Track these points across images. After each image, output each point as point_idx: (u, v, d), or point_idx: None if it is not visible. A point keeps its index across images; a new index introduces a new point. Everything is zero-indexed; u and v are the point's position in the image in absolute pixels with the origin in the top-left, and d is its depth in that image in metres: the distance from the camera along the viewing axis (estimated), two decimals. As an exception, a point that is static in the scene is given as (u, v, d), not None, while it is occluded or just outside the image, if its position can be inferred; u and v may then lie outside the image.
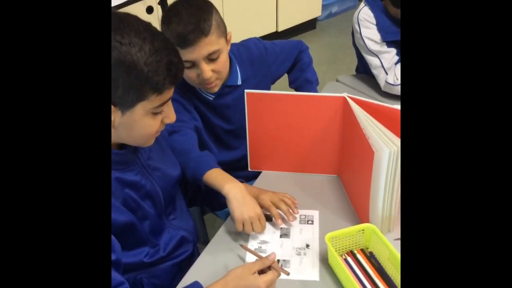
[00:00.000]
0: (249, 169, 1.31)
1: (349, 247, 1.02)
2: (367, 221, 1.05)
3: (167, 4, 2.42)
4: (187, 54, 1.11)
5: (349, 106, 1.12)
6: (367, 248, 1.02)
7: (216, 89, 1.23)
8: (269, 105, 1.19)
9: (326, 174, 1.29)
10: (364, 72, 1.77)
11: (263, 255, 1.00)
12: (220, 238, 1.09)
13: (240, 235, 1.08)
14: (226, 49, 1.20)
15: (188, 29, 1.08)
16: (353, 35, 1.68)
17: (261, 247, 1.05)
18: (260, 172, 1.31)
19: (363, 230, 1.01)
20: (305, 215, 1.14)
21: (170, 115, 0.90)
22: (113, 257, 0.84)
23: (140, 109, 0.83)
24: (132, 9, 2.27)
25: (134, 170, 0.93)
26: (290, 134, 1.23)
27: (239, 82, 1.30)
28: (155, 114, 0.86)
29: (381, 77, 1.59)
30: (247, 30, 2.66)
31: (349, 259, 1.00)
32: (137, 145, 0.92)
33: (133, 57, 0.77)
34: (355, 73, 1.89)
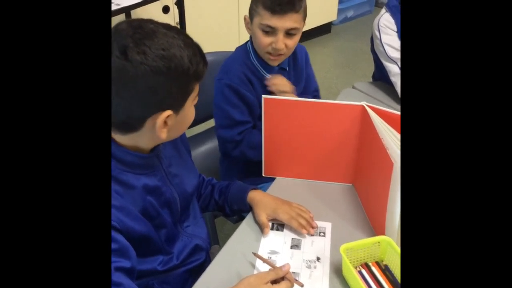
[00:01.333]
0: (263, 175, 1.29)
1: (364, 259, 1.00)
2: (383, 233, 1.03)
3: (183, 4, 2.42)
4: (273, 20, 1.22)
5: (368, 115, 1.10)
6: (382, 261, 1.00)
7: (276, 63, 1.34)
8: (287, 111, 1.17)
9: (341, 183, 1.27)
10: (380, 79, 1.75)
11: (276, 256, 0.99)
12: (231, 246, 1.07)
13: (252, 243, 1.07)
14: (300, 33, 1.30)
15: (286, 1, 1.20)
16: (372, 41, 1.66)
17: (271, 257, 1.03)
18: (273, 178, 1.29)
19: (379, 242, 0.99)
20: (317, 227, 1.12)
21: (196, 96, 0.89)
22: (128, 264, 0.83)
23: (189, 102, 0.84)
24: (148, 9, 2.27)
25: (157, 176, 0.92)
26: (306, 141, 1.22)
27: (287, 68, 1.40)
28: (194, 100, 0.87)
29: (399, 85, 1.57)
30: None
31: (364, 271, 0.98)
32: (172, 139, 0.91)
33: (169, 60, 0.76)
34: (370, 78, 1.87)
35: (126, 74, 0.74)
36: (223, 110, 1.35)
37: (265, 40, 1.26)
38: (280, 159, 1.26)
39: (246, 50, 1.37)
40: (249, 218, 1.14)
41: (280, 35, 1.24)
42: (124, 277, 0.82)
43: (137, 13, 2.36)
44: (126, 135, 0.84)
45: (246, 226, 1.12)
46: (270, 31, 1.24)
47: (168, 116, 0.81)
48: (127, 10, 2.18)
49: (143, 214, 0.89)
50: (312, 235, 1.09)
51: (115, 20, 0.80)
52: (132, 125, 0.82)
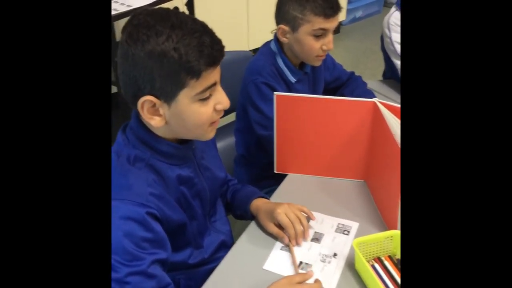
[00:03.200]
0: (274, 171, 1.31)
1: (376, 253, 1.01)
2: (395, 228, 1.04)
3: (193, 5, 2.44)
4: (326, 23, 1.28)
5: (379, 111, 1.10)
6: (395, 255, 1.01)
7: (319, 63, 1.39)
8: (298, 107, 1.19)
9: (353, 179, 1.28)
10: (391, 77, 1.75)
11: (289, 254, 1.01)
12: (246, 240, 1.09)
13: (263, 240, 1.08)
14: None
15: (334, 2, 1.27)
16: (382, 39, 1.67)
17: (288, 245, 1.05)
18: (286, 175, 1.30)
19: (391, 236, 1.00)
20: (343, 224, 1.12)
21: (221, 100, 0.86)
22: (165, 255, 0.85)
23: (184, 98, 0.82)
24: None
25: (190, 167, 0.94)
26: (317, 138, 1.23)
27: (308, 71, 1.45)
28: (202, 100, 0.83)
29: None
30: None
31: (376, 265, 0.99)
32: (197, 138, 0.92)
33: (161, 46, 0.77)
34: (379, 78, 1.87)
35: (125, 55, 0.80)
36: (262, 109, 1.35)
37: (316, 44, 1.31)
38: (292, 155, 1.27)
39: (272, 53, 1.40)
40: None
41: (331, 35, 1.31)
42: (159, 269, 0.84)
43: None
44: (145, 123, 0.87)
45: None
46: (321, 34, 1.29)
47: (153, 103, 0.81)
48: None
49: (177, 204, 0.91)
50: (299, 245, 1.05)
51: (124, 22, 0.83)
52: (133, 105, 0.85)
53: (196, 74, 0.80)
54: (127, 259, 0.80)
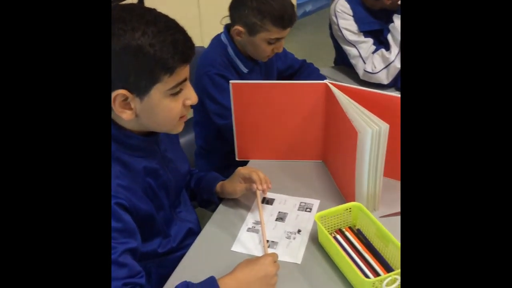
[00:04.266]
0: (236, 159, 1.34)
1: (338, 225, 1.06)
2: (354, 201, 1.09)
3: (143, 1, 2.44)
4: (282, 33, 1.35)
5: (331, 92, 1.16)
6: (355, 226, 1.06)
7: (266, 60, 1.46)
8: (254, 94, 1.22)
9: (311, 160, 1.33)
10: (342, 64, 1.82)
11: (255, 234, 1.05)
12: (216, 222, 1.12)
13: (238, 215, 1.12)
14: None
15: (291, 12, 1.33)
16: (331, 27, 1.73)
17: (254, 226, 1.09)
18: (247, 162, 1.34)
19: (350, 208, 1.05)
20: (305, 203, 1.17)
21: (190, 96, 0.90)
22: (135, 244, 0.86)
23: (157, 93, 0.84)
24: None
25: (156, 159, 0.96)
26: (275, 122, 1.27)
27: (260, 62, 1.51)
28: (173, 95, 0.86)
29: (359, 66, 1.64)
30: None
31: (338, 236, 1.03)
32: (166, 131, 0.94)
33: (137, 41, 0.78)
34: (333, 65, 1.94)
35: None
36: (219, 100, 1.39)
37: (269, 48, 1.38)
38: (251, 142, 1.31)
39: (223, 45, 1.43)
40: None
41: (283, 41, 1.39)
42: (129, 258, 0.85)
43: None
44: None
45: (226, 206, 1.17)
46: (274, 41, 1.36)
47: (125, 96, 0.83)
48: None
49: (144, 194, 0.92)
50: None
51: None
52: None
53: (170, 70, 0.82)
54: None
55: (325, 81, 1.19)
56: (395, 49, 1.58)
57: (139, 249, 0.89)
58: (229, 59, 1.43)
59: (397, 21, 1.57)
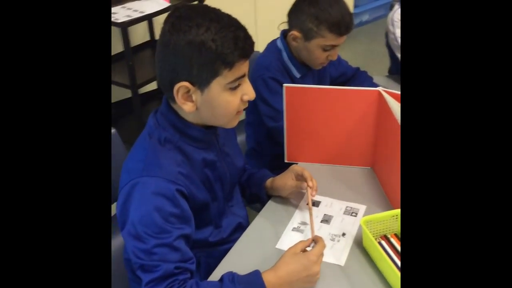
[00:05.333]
0: (285, 161, 1.37)
1: (383, 231, 1.06)
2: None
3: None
4: (338, 40, 1.37)
5: (384, 99, 1.16)
6: (401, 234, 1.06)
7: (320, 68, 1.49)
8: (306, 98, 1.25)
9: (360, 166, 1.33)
10: (397, 73, 1.81)
11: (300, 235, 1.07)
12: (261, 220, 1.15)
13: (276, 221, 1.15)
14: None
15: (348, 20, 1.35)
16: (387, 36, 1.73)
17: (299, 227, 1.11)
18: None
19: (397, 215, 1.05)
20: (351, 207, 1.18)
21: (248, 91, 0.94)
22: (189, 231, 0.92)
23: (217, 86, 0.89)
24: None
25: (214, 152, 1.01)
26: (325, 127, 1.29)
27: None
28: (232, 89, 0.91)
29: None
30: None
31: (383, 242, 1.04)
32: (222, 125, 0.99)
33: (201, 37, 0.84)
34: (387, 74, 1.93)
35: (166, 43, 0.87)
36: (271, 103, 1.43)
37: (323, 55, 1.40)
38: (301, 145, 1.34)
39: (278, 50, 1.47)
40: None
41: (338, 48, 1.41)
42: (183, 244, 0.90)
43: (158, 20, 2.47)
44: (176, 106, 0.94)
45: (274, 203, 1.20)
46: (330, 48, 1.38)
47: (188, 89, 0.88)
48: (149, 17, 2.31)
49: (201, 184, 0.98)
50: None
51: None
52: (166, 91, 0.92)
53: (229, 64, 0.87)
54: (156, 231, 0.87)
55: (378, 88, 1.20)
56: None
57: (192, 236, 0.94)
58: (283, 63, 1.46)
59: None
